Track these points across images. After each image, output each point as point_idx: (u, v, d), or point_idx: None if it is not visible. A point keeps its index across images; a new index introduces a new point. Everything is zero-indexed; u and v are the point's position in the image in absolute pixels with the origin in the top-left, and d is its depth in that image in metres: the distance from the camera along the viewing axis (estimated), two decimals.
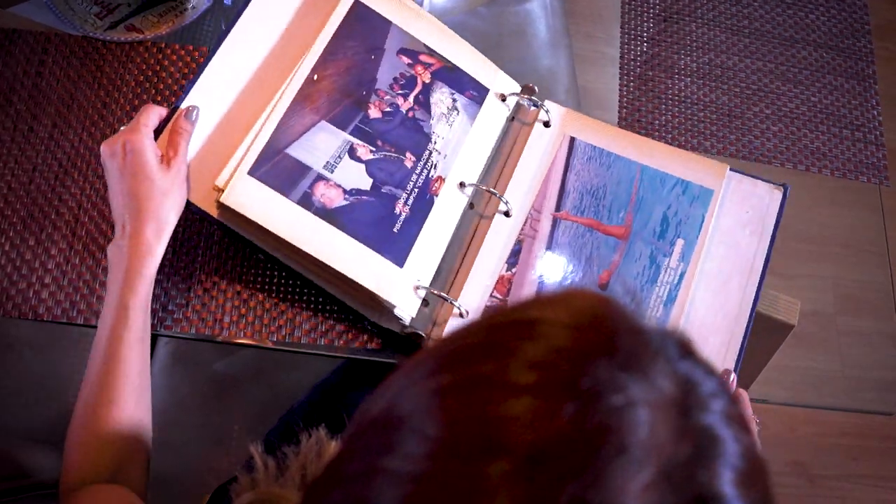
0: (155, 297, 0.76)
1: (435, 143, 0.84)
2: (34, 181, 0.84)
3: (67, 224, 0.83)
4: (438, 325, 0.80)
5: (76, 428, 0.68)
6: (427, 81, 0.85)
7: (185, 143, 0.75)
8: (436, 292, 0.79)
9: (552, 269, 0.83)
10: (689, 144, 0.96)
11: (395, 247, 0.79)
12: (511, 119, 0.89)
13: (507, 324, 0.38)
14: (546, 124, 0.88)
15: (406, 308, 0.78)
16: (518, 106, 0.88)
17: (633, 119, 0.97)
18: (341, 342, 0.82)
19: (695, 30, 1.03)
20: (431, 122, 0.84)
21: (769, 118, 1.00)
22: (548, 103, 0.88)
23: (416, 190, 0.82)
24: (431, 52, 0.86)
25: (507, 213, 0.84)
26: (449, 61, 0.87)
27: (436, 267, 0.81)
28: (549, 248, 0.84)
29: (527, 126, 0.88)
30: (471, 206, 0.84)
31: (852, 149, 0.99)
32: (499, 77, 0.88)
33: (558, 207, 0.85)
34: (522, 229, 0.84)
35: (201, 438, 1.02)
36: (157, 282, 0.73)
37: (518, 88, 0.89)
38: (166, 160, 0.73)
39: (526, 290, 0.82)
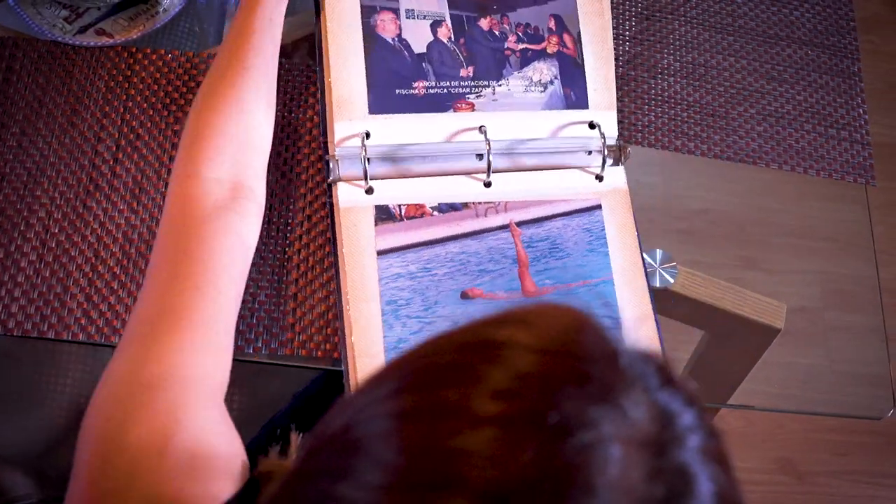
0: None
1: (500, 85, 0.87)
2: (2, 190, 0.82)
3: (37, 235, 0.81)
4: None
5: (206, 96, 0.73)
6: (548, 52, 0.89)
7: None
8: None
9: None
10: (672, 145, 0.95)
11: None
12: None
13: (475, 344, 0.35)
14: (598, 178, 0.87)
15: None
16: (602, 149, 0.87)
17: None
18: (319, 353, 0.80)
19: (678, 28, 1.01)
20: (515, 72, 0.88)
21: (754, 118, 0.98)
22: (618, 174, 0.88)
23: (444, 90, 0.86)
24: (576, 41, 0.89)
25: (487, 184, 0.85)
26: (581, 59, 0.89)
27: None
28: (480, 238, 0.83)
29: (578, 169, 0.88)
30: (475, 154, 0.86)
31: (838, 148, 0.98)
32: (608, 114, 0.89)
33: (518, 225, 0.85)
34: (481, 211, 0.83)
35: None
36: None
37: (614, 136, 0.88)
38: None
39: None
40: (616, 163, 0.88)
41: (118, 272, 0.81)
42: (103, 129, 0.86)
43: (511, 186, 0.85)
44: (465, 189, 0.85)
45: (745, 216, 1.01)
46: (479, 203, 0.84)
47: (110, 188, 0.84)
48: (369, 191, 0.83)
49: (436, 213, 0.83)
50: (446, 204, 0.84)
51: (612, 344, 0.35)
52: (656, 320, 0.83)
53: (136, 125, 0.86)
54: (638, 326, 0.82)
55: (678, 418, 0.33)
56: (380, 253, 0.81)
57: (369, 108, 0.84)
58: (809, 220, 1.01)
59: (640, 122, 0.95)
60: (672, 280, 0.89)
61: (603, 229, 0.85)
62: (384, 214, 0.82)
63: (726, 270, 0.96)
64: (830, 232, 1.01)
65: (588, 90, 0.89)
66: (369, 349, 0.77)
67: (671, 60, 0.99)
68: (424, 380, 0.34)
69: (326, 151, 0.83)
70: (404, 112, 0.85)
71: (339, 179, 0.83)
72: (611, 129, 0.88)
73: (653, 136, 0.94)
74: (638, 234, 0.86)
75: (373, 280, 0.80)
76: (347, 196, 0.82)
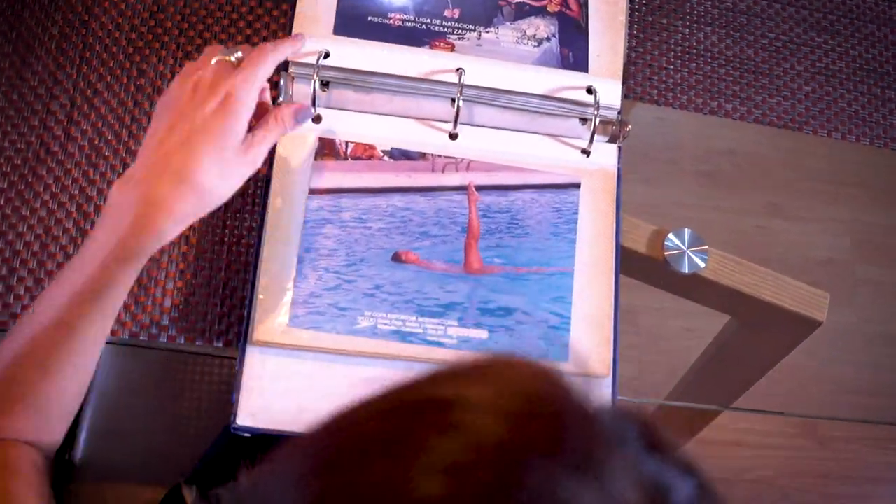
0: None
1: (488, 31, 0.77)
2: None
3: None
4: None
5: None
6: (548, 10, 0.78)
7: (275, 139, 0.62)
8: None
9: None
10: (706, 107, 0.81)
11: None
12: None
13: (414, 405, 0.28)
14: (585, 153, 0.75)
15: None
16: (591, 118, 0.75)
17: (642, 77, 0.82)
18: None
19: None
20: (507, 23, 0.78)
21: (801, 76, 0.84)
22: (608, 153, 0.76)
23: (423, 26, 0.76)
24: (582, 5, 0.79)
25: (453, 136, 0.74)
26: (586, 23, 0.78)
27: None
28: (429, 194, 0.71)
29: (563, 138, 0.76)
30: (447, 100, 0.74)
31: None
32: (611, 83, 0.76)
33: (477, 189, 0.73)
34: (439, 166, 0.72)
35: (154, 427, 0.94)
36: None
37: (615, 108, 0.75)
38: (248, 142, 0.58)
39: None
40: (611, 140, 0.75)
41: (72, 251, 0.72)
42: (57, 83, 0.76)
43: (479, 144, 0.74)
44: (427, 138, 0.73)
45: (773, 158, 0.89)
46: (439, 156, 0.73)
47: (64, 153, 0.74)
48: (317, 119, 0.72)
49: (386, 158, 0.73)
50: (400, 150, 0.73)
51: (584, 402, 0.27)
52: (615, 328, 0.71)
53: (93, 79, 0.77)
54: (589, 332, 0.70)
55: (672, 493, 0.25)
56: (312, 191, 0.71)
57: (335, 27, 0.74)
58: (840, 164, 0.90)
59: (670, 80, 0.82)
60: (703, 265, 0.78)
61: (576, 212, 0.73)
62: (328, 149, 0.72)
63: (750, 217, 0.86)
64: (863, 177, 0.89)
65: (590, 55, 0.76)
66: (275, 301, 0.68)
67: (708, 6, 0.85)
68: (349, 456, 0.27)
69: (284, 69, 0.72)
70: (374, 39, 0.74)
71: (290, 102, 0.72)
72: (611, 100, 0.75)
73: (685, 97, 0.81)
74: (617, 228, 0.73)
75: (296, 219, 0.70)
76: None
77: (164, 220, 0.53)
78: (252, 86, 0.57)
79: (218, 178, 0.55)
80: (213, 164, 0.54)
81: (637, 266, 0.80)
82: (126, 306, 0.70)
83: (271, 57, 0.60)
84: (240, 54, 0.60)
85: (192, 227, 0.73)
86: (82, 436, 0.92)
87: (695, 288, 0.80)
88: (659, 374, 1.01)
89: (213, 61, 0.59)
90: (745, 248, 0.85)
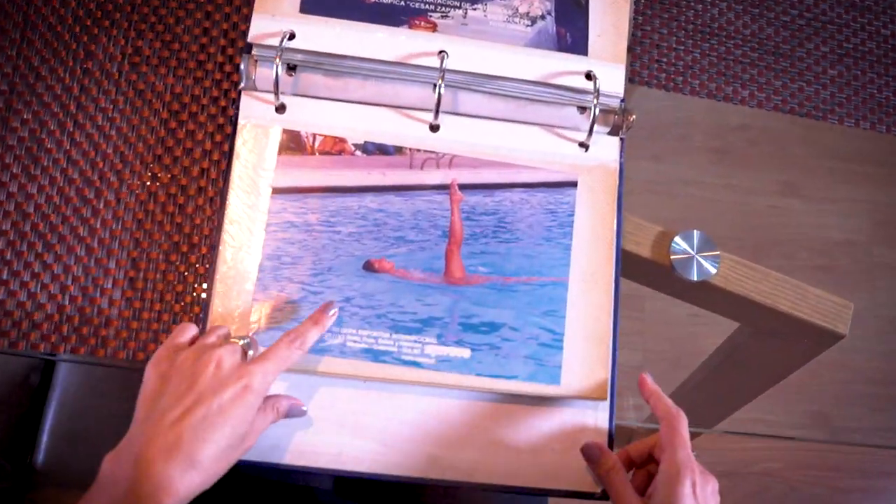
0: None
1: (474, 8, 0.68)
2: None
3: None
4: None
5: None
6: None
7: (268, 426, 0.57)
8: None
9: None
10: (721, 93, 0.73)
11: None
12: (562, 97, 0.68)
13: None
14: (583, 146, 0.67)
15: None
16: (591, 107, 0.66)
17: (650, 58, 0.74)
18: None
19: None
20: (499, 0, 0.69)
21: (826, 58, 0.75)
22: (610, 147, 0.67)
23: (401, 2, 0.68)
24: None
25: (434, 128, 0.66)
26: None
27: None
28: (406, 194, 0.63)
29: (558, 129, 0.67)
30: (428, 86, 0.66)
31: None
32: (612, 67, 0.68)
33: (460, 190, 0.65)
34: (418, 162, 0.64)
35: (116, 432, 0.87)
36: None
37: (618, 96, 0.67)
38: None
39: None
40: (613, 132, 0.67)
41: (9, 256, 0.65)
42: None
43: (463, 136, 0.66)
44: (404, 129, 0.65)
45: (788, 133, 0.81)
46: (418, 151, 0.65)
47: (1, 145, 0.67)
48: (280, 108, 0.64)
49: (359, 153, 0.64)
50: (374, 144, 0.65)
51: None
52: (614, 346, 0.64)
53: (35, 62, 0.69)
54: (584, 350, 0.63)
55: None
56: (275, 190, 0.63)
57: (302, 4, 0.65)
58: (858, 141, 0.82)
59: (681, 62, 0.73)
60: (713, 271, 0.70)
61: (572, 214, 0.65)
62: (293, 143, 0.64)
63: (763, 197, 0.79)
64: (882, 156, 0.83)
65: (590, 35, 0.67)
66: (231, 314, 0.60)
67: None
68: None
69: (247, 51, 0.64)
70: (346, 18, 0.65)
71: (252, 88, 0.64)
72: (613, 86, 0.67)
73: (696, 81, 0.73)
74: (618, 231, 0.65)
75: (257, 223, 0.62)
76: (251, 110, 0.64)
77: (168, 500, 0.48)
78: (270, 381, 0.54)
79: (225, 464, 0.52)
80: (224, 452, 0.51)
81: (640, 271, 0.72)
82: (70, 319, 0.63)
83: (296, 354, 0.56)
84: (248, 341, 0.57)
85: (143, 230, 0.65)
86: (44, 441, 0.86)
87: (704, 295, 0.72)
88: (664, 363, 0.94)
89: (223, 339, 0.56)
90: (757, 230, 0.78)
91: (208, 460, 0.50)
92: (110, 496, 0.48)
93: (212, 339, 0.56)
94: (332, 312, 0.60)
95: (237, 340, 0.56)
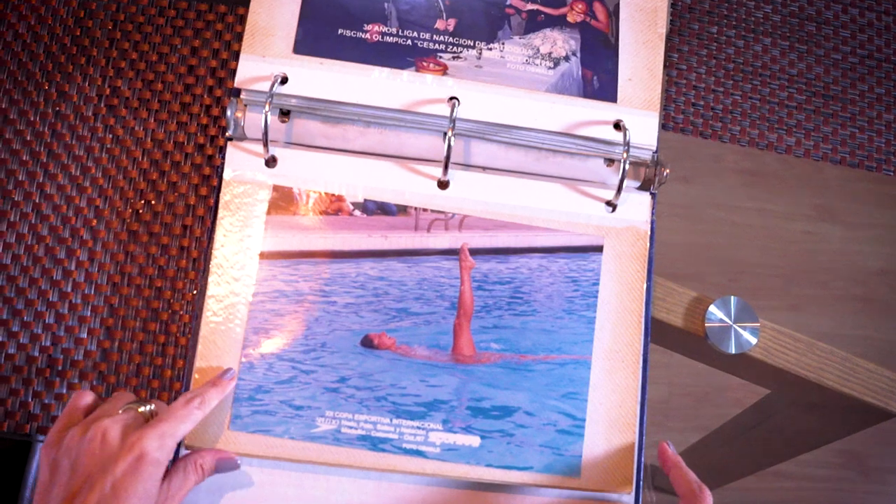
0: None
1: (490, 48, 0.61)
2: None
3: None
4: None
5: None
6: (568, 20, 0.62)
7: (191, 487, 0.50)
8: None
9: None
10: (764, 140, 0.66)
11: None
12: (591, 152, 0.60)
13: None
14: (610, 206, 0.60)
15: None
16: (622, 163, 0.59)
17: (685, 101, 0.68)
18: None
19: None
20: (515, 38, 0.61)
21: (881, 101, 0.67)
22: (640, 206, 0.60)
23: (408, 41, 0.60)
24: (611, 14, 0.62)
25: (443, 184, 0.59)
26: (615, 37, 0.62)
27: None
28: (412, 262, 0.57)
29: (583, 186, 0.60)
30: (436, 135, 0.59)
31: None
32: (645, 115, 0.61)
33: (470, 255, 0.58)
34: (424, 223, 0.57)
35: None
36: None
37: (652, 147, 0.60)
38: (163, 495, 0.47)
39: None
40: (644, 187, 0.60)
41: None
42: None
43: (476, 194, 0.59)
44: (409, 186, 0.58)
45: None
46: (424, 210, 0.58)
47: None
48: (271, 161, 0.57)
49: (358, 212, 0.58)
50: (375, 202, 0.58)
51: None
52: (641, 432, 0.57)
53: (3, 103, 0.63)
54: (608, 438, 0.56)
55: None
56: (263, 255, 0.56)
57: (295, 45, 0.59)
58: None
59: (719, 106, 0.66)
60: (754, 342, 0.63)
61: (596, 283, 0.58)
62: (284, 201, 0.57)
63: (799, 222, 0.73)
64: None
65: (619, 78, 0.60)
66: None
67: (767, 12, 0.68)
68: None
69: (235, 94, 0.58)
70: (345, 59, 0.58)
71: (241, 137, 0.58)
72: (646, 137, 0.60)
73: (736, 127, 0.66)
74: (647, 301, 0.58)
75: (243, 291, 0.55)
76: (238, 163, 0.57)
77: None
78: (170, 444, 0.46)
79: None
80: None
81: (670, 339, 0.65)
82: (37, 395, 0.57)
83: (195, 413, 0.49)
84: (153, 407, 0.49)
85: (119, 295, 0.59)
86: None
87: (742, 366, 0.65)
88: (689, 398, 0.88)
89: (121, 409, 0.48)
90: (791, 256, 0.71)
91: None
92: None
93: (106, 406, 0.48)
94: (228, 376, 0.53)
95: (137, 406, 0.48)
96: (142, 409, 0.48)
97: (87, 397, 0.49)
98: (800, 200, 0.74)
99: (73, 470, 0.44)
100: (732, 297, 0.64)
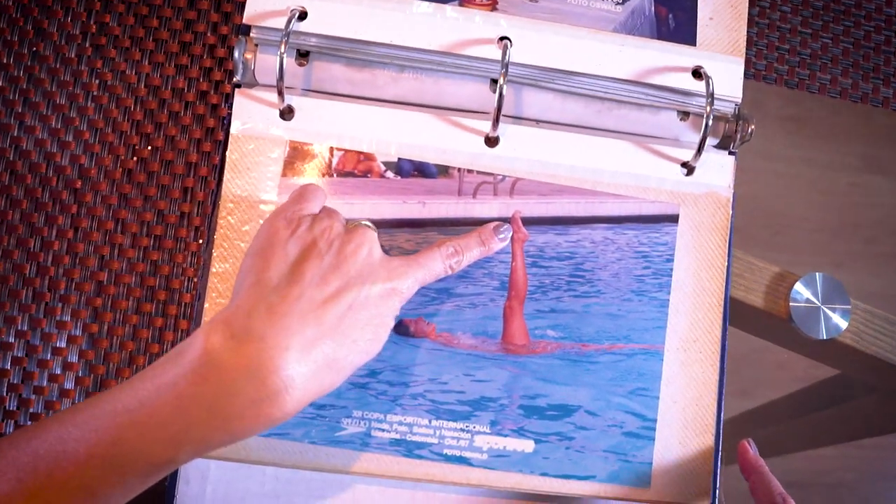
0: None
1: None
2: None
3: None
4: None
5: None
6: None
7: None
8: None
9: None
10: (858, 91, 0.57)
11: None
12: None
13: None
14: (686, 168, 0.51)
15: None
16: (704, 117, 0.50)
17: (767, 44, 0.58)
18: None
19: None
20: None
21: None
22: (723, 168, 0.51)
23: None
24: None
25: (491, 141, 0.49)
26: None
27: None
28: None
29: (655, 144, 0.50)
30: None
31: None
32: (729, 61, 0.51)
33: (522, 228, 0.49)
34: (469, 187, 0.48)
35: None
36: None
37: (736, 98, 0.51)
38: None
39: None
40: (725, 146, 0.51)
41: None
42: None
43: (530, 152, 0.49)
44: (452, 142, 0.49)
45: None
46: (470, 172, 0.49)
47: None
48: (287, 112, 0.48)
49: (391, 174, 0.49)
50: (411, 162, 0.49)
51: None
52: (717, 435, 0.48)
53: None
54: (682, 440, 0.47)
55: None
56: None
57: None
58: None
59: (807, 51, 0.56)
60: (843, 326, 0.54)
61: (671, 259, 0.49)
62: (302, 160, 0.48)
63: (844, 173, 0.66)
64: None
65: (699, 17, 0.51)
66: None
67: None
68: None
69: (244, 32, 0.48)
70: None
71: (251, 83, 0.48)
72: (729, 87, 0.50)
73: (826, 76, 0.57)
74: (727, 282, 0.50)
75: None
76: (248, 114, 0.48)
77: (291, 406, 0.37)
78: (414, 291, 0.43)
79: (327, 385, 0.39)
80: (342, 366, 0.39)
81: (748, 321, 0.57)
82: (14, 388, 0.48)
83: (445, 272, 0.45)
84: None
85: (108, 271, 0.50)
86: None
87: (829, 352, 0.56)
88: (731, 387, 0.81)
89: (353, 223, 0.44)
90: (835, 210, 0.63)
91: (336, 366, 0.39)
92: (210, 384, 0.36)
93: (341, 216, 0.44)
94: (502, 235, 0.47)
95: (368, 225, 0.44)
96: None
97: (322, 197, 0.45)
98: (846, 150, 0.66)
99: (333, 262, 0.40)
100: (817, 274, 0.55)
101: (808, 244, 0.61)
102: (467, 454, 0.47)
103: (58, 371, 0.50)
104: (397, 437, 0.46)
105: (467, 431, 0.47)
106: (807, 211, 0.63)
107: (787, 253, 0.59)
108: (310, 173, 0.48)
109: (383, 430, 0.46)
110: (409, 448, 0.46)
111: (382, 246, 0.44)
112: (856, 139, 0.66)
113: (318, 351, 0.38)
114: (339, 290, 0.39)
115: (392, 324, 0.41)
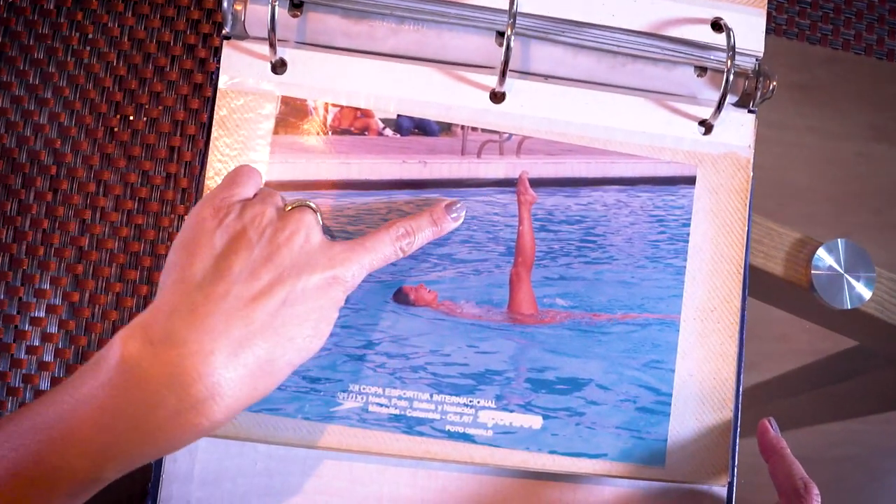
0: None
1: None
2: None
3: None
4: None
5: None
6: None
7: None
8: None
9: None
10: (884, 46, 0.53)
11: None
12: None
13: None
14: (704, 126, 0.47)
15: None
16: (725, 73, 0.47)
17: None
18: None
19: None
20: None
21: None
22: (743, 127, 0.48)
23: None
24: None
25: (497, 96, 0.47)
26: None
27: None
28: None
29: (670, 101, 0.46)
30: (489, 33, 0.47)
31: None
32: (749, 12, 0.48)
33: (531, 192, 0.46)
34: (473, 146, 0.45)
35: None
36: None
37: (758, 52, 0.48)
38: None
39: None
40: (745, 103, 0.48)
41: None
42: None
43: (538, 109, 0.46)
44: (455, 98, 0.46)
45: (882, 68, 0.63)
46: (474, 130, 0.46)
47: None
48: (279, 65, 0.45)
49: (389, 131, 0.45)
50: (412, 119, 0.46)
51: None
52: (736, 410, 0.46)
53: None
54: (699, 416, 0.45)
55: None
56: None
57: None
58: None
59: (830, 4, 0.52)
60: (867, 296, 0.51)
61: (687, 223, 0.46)
62: (296, 117, 0.45)
63: (851, 143, 0.63)
64: None
65: None
66: None
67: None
68: None
69: None
70: None
71: (241, 35, 0.45)
72: (750, 41, 0.47)
73: (851, 32, 0.53)
74: (747, 249, 0.47)
75: None
76: (237, 69, 0.45)
77: (221, 414, 0.34)
78: (361, 277, 0.40)
79: (264, 389, 0.37)
80: (279, 366, 0.36)
81: (767, 289, 0.54)
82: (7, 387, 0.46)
83: (396, 255, 0.42)
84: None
85: (90, 235, 0.47)
86: None
87: (852, 323, 0.54)
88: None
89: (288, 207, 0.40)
90: (842, 180, 0.60)
91: (272, 368, 0.35)
92: (130, 396, 0.32)
93: (278, 200, 0.40)
94: (454, 214, 0.44)
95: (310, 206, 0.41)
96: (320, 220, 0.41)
97: (257, 178, 0.41)
98: (853, 119, 0.63)
99: (264, 253, 0.37)
100: (840, 240, 0.52)
101: (815, 215, 0.58)
102: (471, 431, 0.44)
103: (36, 343, 0.47)
104: (397, 412, 0.44)
105: (471, 406, 0.44)
106: (813, 181, 0.60)
107: (794, 224, 0.56)
108: (303, 131, 0.45)
109: (382, 405, 0.44)
110: (409, 424, 0.44)
111: (327, 228, 0.41)
112: (864, 107, 0.64)
113: (247, 353, 0.34)
114: (271, 284, 0.36)
115: (335, 316, 0.38)
